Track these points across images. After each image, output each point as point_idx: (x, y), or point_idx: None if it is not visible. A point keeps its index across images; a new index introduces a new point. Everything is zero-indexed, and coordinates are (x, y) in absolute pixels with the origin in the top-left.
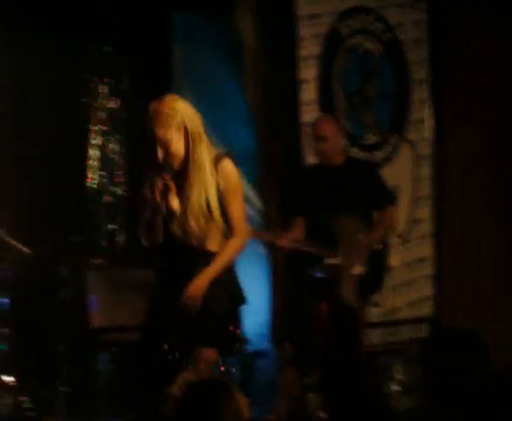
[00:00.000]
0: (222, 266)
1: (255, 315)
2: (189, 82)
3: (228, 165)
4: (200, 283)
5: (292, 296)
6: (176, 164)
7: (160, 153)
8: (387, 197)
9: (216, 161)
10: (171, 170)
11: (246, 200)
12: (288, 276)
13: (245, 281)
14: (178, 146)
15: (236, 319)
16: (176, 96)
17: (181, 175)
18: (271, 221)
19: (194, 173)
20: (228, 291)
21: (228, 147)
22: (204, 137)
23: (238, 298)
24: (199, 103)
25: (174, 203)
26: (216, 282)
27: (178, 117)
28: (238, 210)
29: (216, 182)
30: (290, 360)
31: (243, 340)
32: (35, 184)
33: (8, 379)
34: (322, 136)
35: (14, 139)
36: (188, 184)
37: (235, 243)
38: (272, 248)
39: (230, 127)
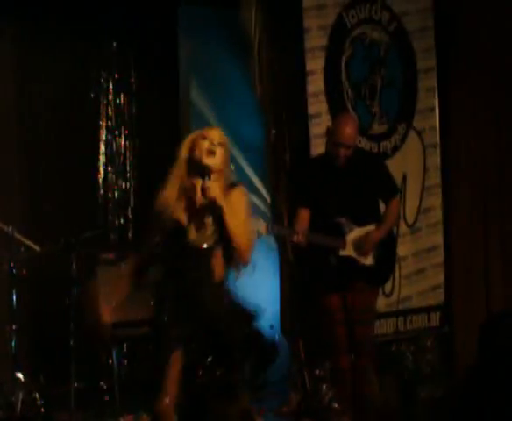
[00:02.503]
0: None
1: (267, 307)
2: (196, 75)
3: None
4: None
5: (303, 289)
6: None
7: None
8: (393, 190)
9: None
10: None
11: (255, 192)
12: (298, 269)
13: (256, 274)
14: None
15: None
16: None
17: None
18: (279, 213)
19: None
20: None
21: (236, 140)
22: None
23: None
24: (206, 97)
25: None
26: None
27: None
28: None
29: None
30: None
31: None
32: (46, 180)
33: (19, 375)
34: (346, 145)
35: (25, 136)
36: None
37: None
38: (282, 242)
39: (238, 120)
